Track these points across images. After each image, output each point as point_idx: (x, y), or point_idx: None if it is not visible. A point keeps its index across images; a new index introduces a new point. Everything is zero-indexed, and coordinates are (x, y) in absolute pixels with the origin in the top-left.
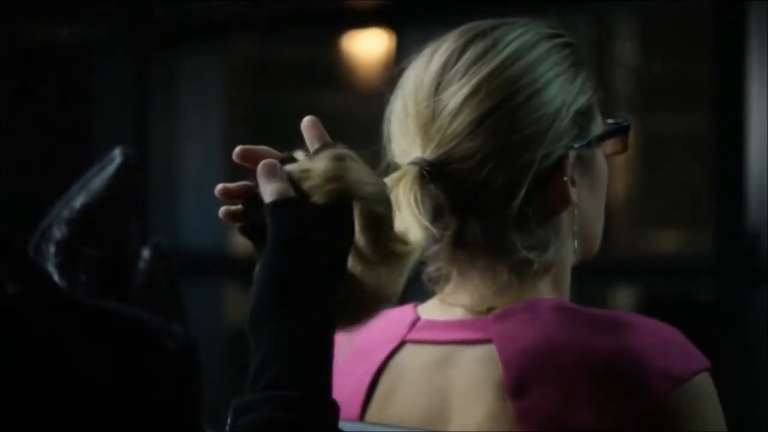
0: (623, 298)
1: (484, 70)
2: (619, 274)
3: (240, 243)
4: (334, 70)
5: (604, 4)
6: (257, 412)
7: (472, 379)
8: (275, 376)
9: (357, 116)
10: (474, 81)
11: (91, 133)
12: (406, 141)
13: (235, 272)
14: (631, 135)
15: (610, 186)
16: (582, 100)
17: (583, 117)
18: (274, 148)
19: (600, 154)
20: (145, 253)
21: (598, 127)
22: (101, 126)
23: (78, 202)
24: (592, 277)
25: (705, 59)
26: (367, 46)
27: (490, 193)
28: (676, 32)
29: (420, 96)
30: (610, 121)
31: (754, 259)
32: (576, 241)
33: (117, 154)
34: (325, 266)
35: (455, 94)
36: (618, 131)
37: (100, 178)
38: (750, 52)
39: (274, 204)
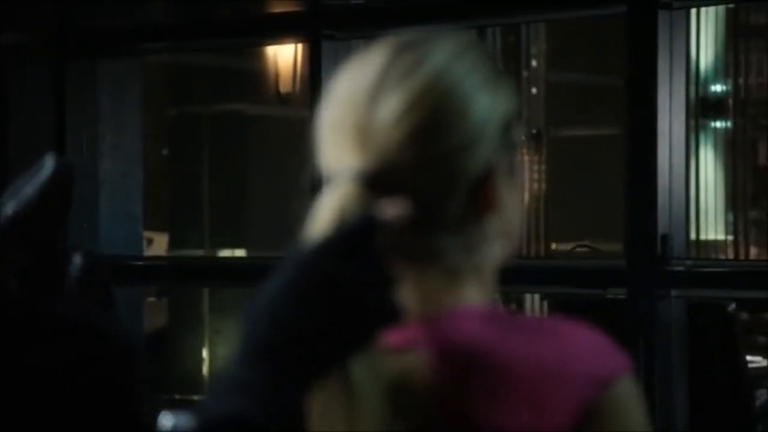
0: (535, 302)
1: (418, 79)
2: (530, 279)
3: (157, 250)
4: (251, 79)
5: (516, 14)
6: None
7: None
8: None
9: (273, 124)
10: (409, 91)
11: (8, 141)
12: (339, 149)
13: (152, 280)
14: (542, 141)
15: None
16: (506, 109)
17: (508, 124)
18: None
19: (518, 160)
20: (77, 259)
21: (517, 133)
22: (18, 133)
23: (9, 208)
24: (505, 281)
25: (612, 69)
26: (284, 54)
27: (427, 201)
28: (585, 43)
29: (354, 105)
30: (522, 129)
31: (664, 263)
32: (502, 244)
33: (48, 161)
34: None
35: (390, 104)
36: (532, 138)
37: (31, 184)
38: (659, 63)
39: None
